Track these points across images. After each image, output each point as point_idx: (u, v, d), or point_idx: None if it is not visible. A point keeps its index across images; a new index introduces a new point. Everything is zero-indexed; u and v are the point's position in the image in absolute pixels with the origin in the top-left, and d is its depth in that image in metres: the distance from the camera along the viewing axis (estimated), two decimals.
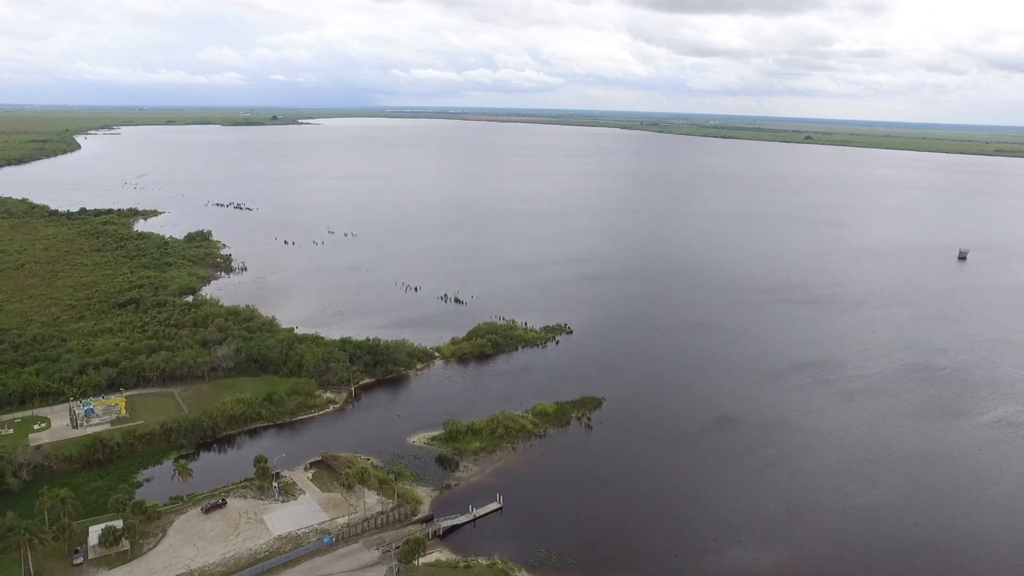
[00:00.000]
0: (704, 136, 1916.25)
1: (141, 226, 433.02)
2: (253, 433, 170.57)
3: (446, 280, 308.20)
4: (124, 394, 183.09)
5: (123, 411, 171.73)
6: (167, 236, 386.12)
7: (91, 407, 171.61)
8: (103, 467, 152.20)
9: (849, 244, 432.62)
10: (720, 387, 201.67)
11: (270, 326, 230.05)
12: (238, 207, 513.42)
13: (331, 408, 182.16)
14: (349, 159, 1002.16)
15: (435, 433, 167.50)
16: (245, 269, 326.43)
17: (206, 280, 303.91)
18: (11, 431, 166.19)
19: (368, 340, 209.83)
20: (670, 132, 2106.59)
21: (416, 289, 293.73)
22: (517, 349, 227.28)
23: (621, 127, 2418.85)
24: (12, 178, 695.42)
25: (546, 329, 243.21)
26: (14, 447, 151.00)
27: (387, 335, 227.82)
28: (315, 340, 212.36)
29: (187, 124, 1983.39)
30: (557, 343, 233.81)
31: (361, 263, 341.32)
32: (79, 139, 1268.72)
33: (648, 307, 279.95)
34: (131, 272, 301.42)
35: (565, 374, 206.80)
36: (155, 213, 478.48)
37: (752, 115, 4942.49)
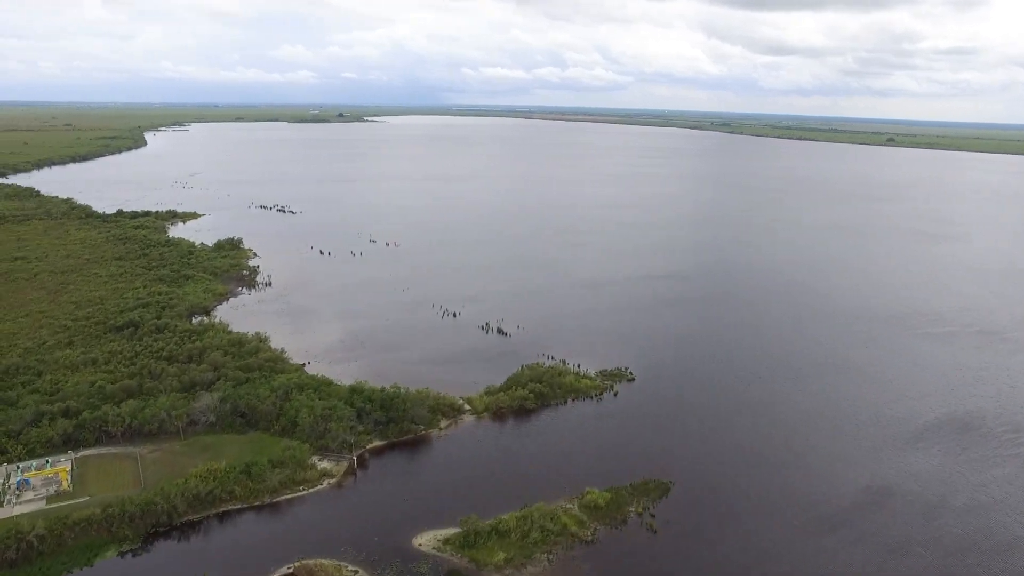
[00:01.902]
0: (778, 137, 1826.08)
1: (176, 230, 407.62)
2: (223, 518, 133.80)
3: (492, 303, 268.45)
4: (78, 454, 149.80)
5: (65, 483, 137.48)
6: (197, 243, 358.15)
7: (26, 478, 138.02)
8: (16, 569, 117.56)
9: (973, 263, 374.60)
10: (840, 460, 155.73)
11: (275, 363, 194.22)
12: (282, 210, 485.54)
13: (325, 483, 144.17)
14: (409, 158, 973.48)
15: (449, 532, 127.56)
16: (269, 284, 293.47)
17: (223, 297, 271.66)
18: None
19: (383, 390, 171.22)
20: (741, 133, 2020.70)
21: (455, 315, 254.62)
22: (566, 402, 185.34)
23: (690, 127, 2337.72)
24: (70, 175, 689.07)
25: (602, 375, 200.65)
26: None
27: (410, 377, 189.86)
28: (320, 387, 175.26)
29: (255, 121, 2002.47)
30: (615, 394, 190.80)
31: (398, 279, 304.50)
32: (148, 136, 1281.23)
33: (734, 343, 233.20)
34: (143, 287, 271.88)
35: (622, 442, 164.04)
36: (194, 216, 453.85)
37: (826, 116, 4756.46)
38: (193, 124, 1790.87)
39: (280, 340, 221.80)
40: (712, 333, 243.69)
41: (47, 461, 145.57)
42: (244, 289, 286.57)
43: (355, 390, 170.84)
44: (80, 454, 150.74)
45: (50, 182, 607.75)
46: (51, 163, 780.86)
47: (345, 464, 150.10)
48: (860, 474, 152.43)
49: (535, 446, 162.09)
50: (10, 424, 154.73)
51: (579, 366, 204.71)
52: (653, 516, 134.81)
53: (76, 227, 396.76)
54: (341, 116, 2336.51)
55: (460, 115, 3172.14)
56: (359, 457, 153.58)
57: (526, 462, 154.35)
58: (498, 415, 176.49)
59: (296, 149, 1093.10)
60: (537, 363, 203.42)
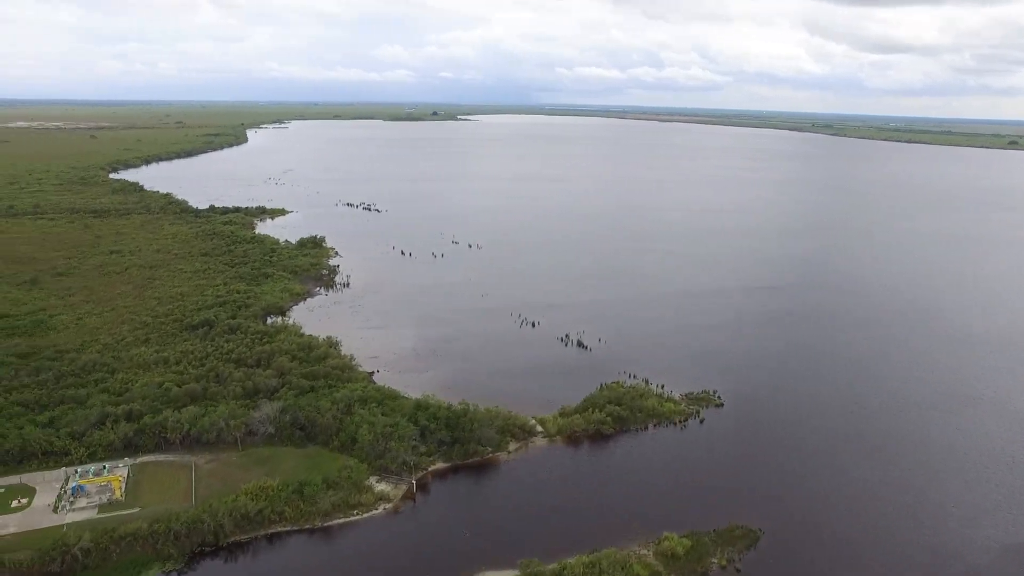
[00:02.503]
0: (884, 140, 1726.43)
1: (263, 227, 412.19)
2: (272, 540, 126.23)
3: (574, 313, 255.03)
4: (136, 460, 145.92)
5: (118, 492, 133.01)
6: (281, 240, 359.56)
7: (81, 485, 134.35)
8: None
9: None
10: (970, 509, 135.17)
11: (342, 371, 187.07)
12: (367, 208, 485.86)
13: (381, 508, 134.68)
14: (499, 157, 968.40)
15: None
16: (347, 285, 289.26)
17: (300, 298, 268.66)
18: None
19: (449, 407, 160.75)
20: (845, 135, 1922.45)
21: (534, 324, 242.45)
22: (646, 427, 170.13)
23: (790, 128, 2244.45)
24: (173, 171, 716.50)
25: (688, 399, 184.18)
26: None
27: (481, 392, 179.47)
28: (384, 400, 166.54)
29: (352, 119, 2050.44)
30: (701, 421, 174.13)
31: (479, 283, 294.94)
32: (250, 133, 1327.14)
33: (839, 368, 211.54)
34: (224, 284, 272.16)
35: (706, 479, 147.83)
36: (282, 212, 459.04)
37: (937, 117, 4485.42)
38: (293, 122, 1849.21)
39: (351, 345, 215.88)
40: (814, 355, 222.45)
41: (104, 466, 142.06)
42: (321, 289, 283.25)
43: (420, 406, 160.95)
44: (138, 460, 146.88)
45: (155, 177, 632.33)
46: (159, 159, 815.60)
47: (404, 488, 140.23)
48: (996, 528, 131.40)
49: (609, 478, 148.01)
50: (75, 425, 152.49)
51: (663, 387, 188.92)
52: (739, 570, 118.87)
53: (170, 222, 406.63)
54: (435, 115, 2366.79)
55: (552, 114, 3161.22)
56: (419, 480, 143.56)
57: (598, 496, 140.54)
58: (572, 439, 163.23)
59: (388, 147, 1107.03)
60: (617, 382, 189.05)
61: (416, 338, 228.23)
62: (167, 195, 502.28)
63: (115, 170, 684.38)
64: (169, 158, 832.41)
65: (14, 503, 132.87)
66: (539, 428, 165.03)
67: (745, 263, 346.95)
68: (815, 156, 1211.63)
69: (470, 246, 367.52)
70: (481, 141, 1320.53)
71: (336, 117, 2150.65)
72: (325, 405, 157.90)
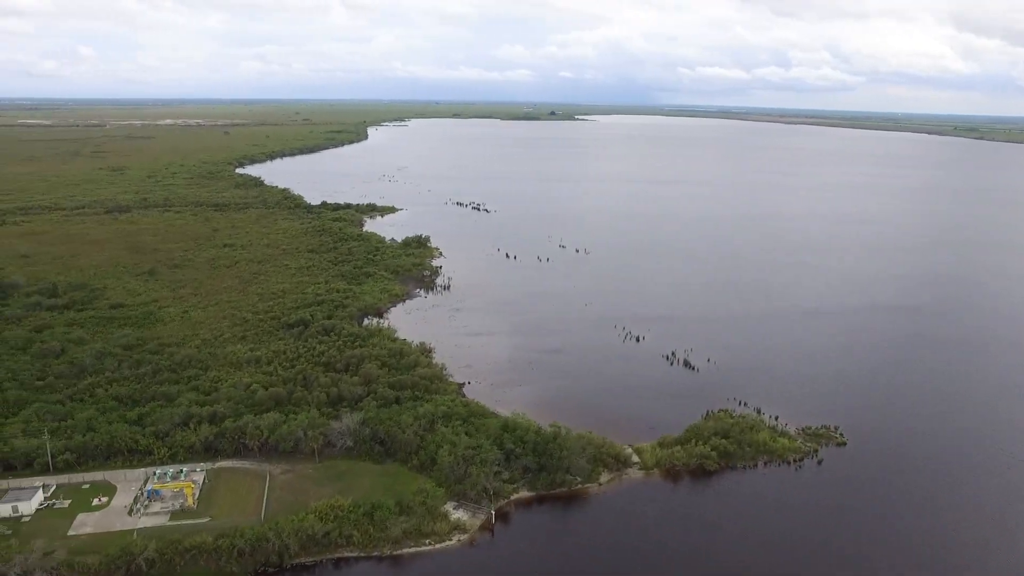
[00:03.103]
0: None
1: (371, 224, 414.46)
2: (337, 565, 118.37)
3: (683, 328, 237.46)
4: (215, 465, 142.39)
5: (190, 499, 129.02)
6: (387, 238, 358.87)
7: (157, 489, 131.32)
8: None
9: None
10: None
11: (431, 382, 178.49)
12: (476, 208, 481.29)
13: (455, 539, 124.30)
14: (614, 158, 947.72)
15: None
16: (448, 288, 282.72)
17: (399, 299, 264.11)
18: (66, 503, 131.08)
19: (538, 431, 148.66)
20: (992, 139, 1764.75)
21: (638, 339, 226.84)
22: (756, 465, 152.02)
23: (928, 132, 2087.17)
24: (294, 166, 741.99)
25: (805, 434, 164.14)
26: (19, 549, 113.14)
27: (575, 412, 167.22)
28: (470, 417, 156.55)
29: (470, 118, 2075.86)
30: (819, 462, 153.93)
31: (584, 291, 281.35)
32: (371, 130, 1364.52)
33: (987, 407, 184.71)
34: (325, 282, 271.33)
35: (821, 532, 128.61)
36: (391, 210, 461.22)
37: None
38: (413, 120, 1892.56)
39: (444, 352, 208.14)
40: (960, 391, 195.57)
41: (183, 470, 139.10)
42: (421, 291, 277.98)
43: (507, 427, 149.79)
44: (217, 464, 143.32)
45: (276, 172, 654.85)
46: (282, 154, 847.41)
47: (482, 517, 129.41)
48: None
49: (711, 522, 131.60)
50: (161, 424, 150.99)
51: (776, 419, 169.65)
52: None
53: (283, 217, 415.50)
54: (552, 114, 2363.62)
55: (672, 115, 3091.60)
56: (499, 509, 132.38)
57: (695, 544, 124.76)
58: (671, 474, 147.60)
59: (503, 146, 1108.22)
60: (726, 411, 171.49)
61: (512, 347, 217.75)
62: (284, 190, 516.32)
63: (241, 165, 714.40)
64: (292, 154, 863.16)
65: (95, 501, 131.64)
66: (635, 458, 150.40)
67: (881, 280, 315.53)
68: (956, 162, 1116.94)
69: (577, 251, 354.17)
70: (598, 141, 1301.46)
71: (455, 116, 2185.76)
72: (407, 420, 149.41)
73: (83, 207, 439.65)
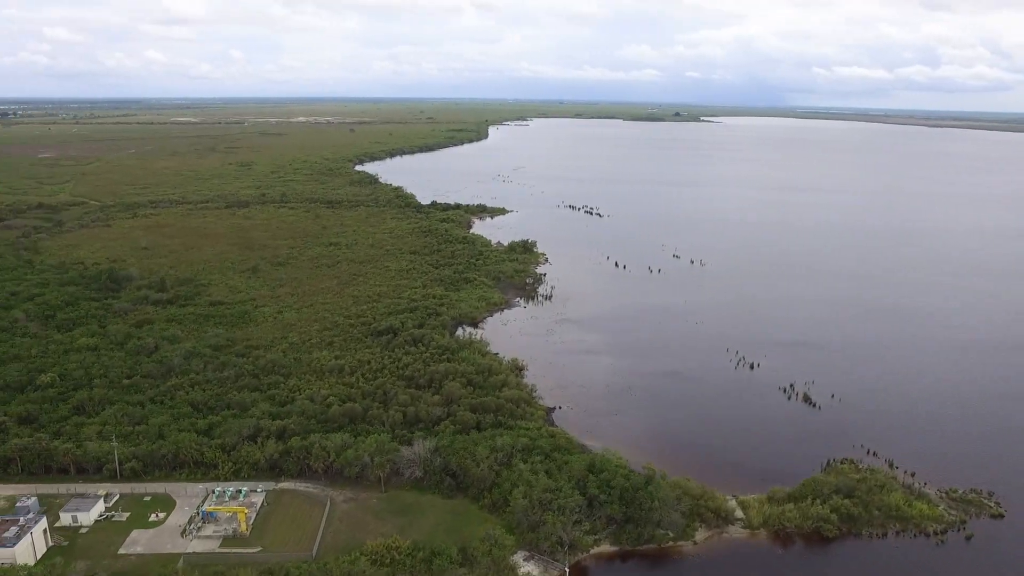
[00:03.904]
0: None
1: (480, 226, 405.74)
2: None
3: (807, 356, 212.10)
4: (278, 485, 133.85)
5: (243, 525, 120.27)
6: (493, 242, 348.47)
7: (212, 512, 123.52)
8: None
9: None
10: None
11: (517, 406, 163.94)
12: (589, 211, 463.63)
13: None
14: (741, 162, 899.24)
15: None
16: (550, 298, 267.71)
17: (497, 308, 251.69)
18: (125, 516, 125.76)
19: (628, 475, 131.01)
20: None
21: (752, 366, 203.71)
22: (885, 535, 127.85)
23: None
24: (412, 164, 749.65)
25: (950, 499, 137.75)
26: (63, 571, 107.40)
27: (672, 454, 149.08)
28: (553, 452, 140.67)
29: (592, 118, 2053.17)
30: (968, 537, 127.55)
31: (695, 307, 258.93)
32: (491, 130, 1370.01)
33: None
34: (422, 287, 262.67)
35: None
36: (502, 211, 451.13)
37: None
38: (535, 119, 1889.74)
39: (537, 370, 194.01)
40: None
41: (242, 490, 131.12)
42: (521, 300, 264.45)
43: (593, 467, 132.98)
44: (279, 485, 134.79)
45: (393, 170, 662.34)
46: (402, 152, 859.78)
47: (555, 573, 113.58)
48: None
49: None
50: (228, 436, 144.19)
51: (914, 476, 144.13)
52: None
53: (392, 216, 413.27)
54: (677, 115, 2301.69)
55: (804, 117, 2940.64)
56: (576, 565, 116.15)
57: None
58: (780, 536, 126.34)
59: (624, 147, 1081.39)
60: (850, 461, 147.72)
61: (611, 370, 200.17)
62: (397, 189, 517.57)
63: (361, 162, 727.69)
64: (412, 152, 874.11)
65: (152, 516, 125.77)
66: (739, 514, 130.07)
67: None
68: None
69: (692, 262, 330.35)
70: (724, 144, 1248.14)
71: (578, 115, 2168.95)
72: (482, 452, 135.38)
73: (207, 201, 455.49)
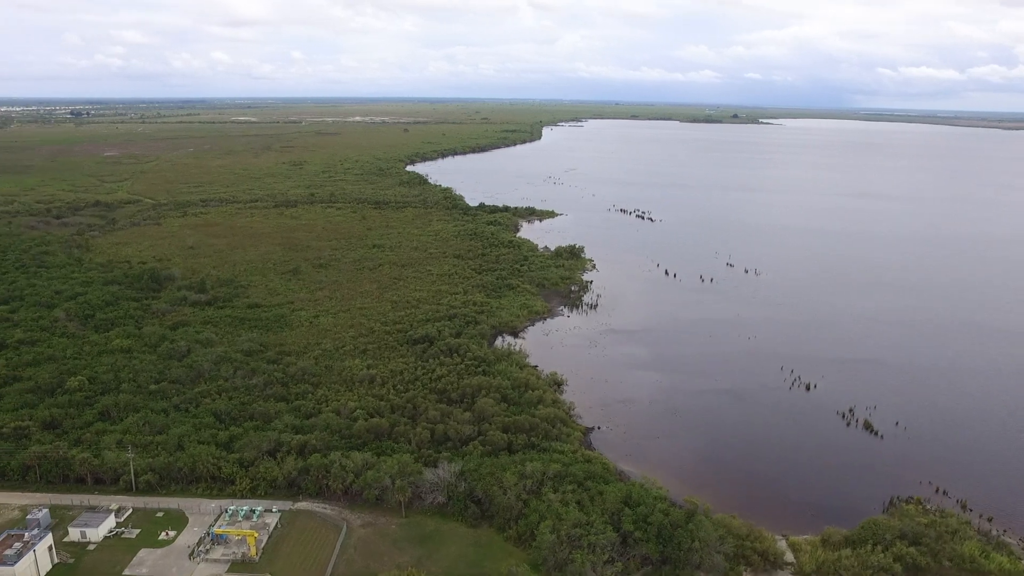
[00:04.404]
0: None
1: (527, 229, 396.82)
2: None
3: (868, 377, 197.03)
4: (294, 505, 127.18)
5: (252, 550, 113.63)
6: (540, 246, 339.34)
7: (222, 534, 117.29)
8: None
9: None
10: None
11: (552, 425, 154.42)
12: (641, 216, 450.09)
13: None
14: (801, 165, 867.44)
15: None
16: (595, 307, 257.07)
17: (539, 316, 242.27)
18: (135, 533, 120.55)
19: (667, 509, 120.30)
20: None
21: (809, 387, 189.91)
22: None
23: None
24: (463, 164, 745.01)
25: None
26: None
27: (717, 484, 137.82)
28: (587, 481, 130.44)
29: (648, 119, 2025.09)
30: None
31: (748, 321, 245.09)
32: (545, 130, 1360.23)
33: None
34: (463, 293, 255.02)
35: None
36: (551, 214, 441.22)
37: None
38: (589, 120, 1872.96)
39: (577, 386, 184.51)
40: None
41: (256, 510, 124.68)
42: (565, 309, 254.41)
43: (630, 499, 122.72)
44: (296, 505, 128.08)
45: (444, 171, 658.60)
46: (454, 152, 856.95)
47: None
48: None
49: None
50: (247, 451, 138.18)
51: (991, 522, 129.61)
52: None
53: (439, 217, 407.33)
54: (735, 117, 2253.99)
55: (869, 119, 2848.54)
56: None
57: None
58: None
59: (680, 149, 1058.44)
60: (916, 500, 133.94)
61: (656, 387, 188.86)
62: (446, 190, 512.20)
63: (412, 162, 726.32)
64: (464, 152, 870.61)
65: (162, 535, 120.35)
66: (789, 557, 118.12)
67: None
68: None
69: (747, 271, 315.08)
70: (783, 147, 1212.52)
71: (633, 117, 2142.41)
72: (510, 479, 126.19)
73: (255, 200, 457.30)
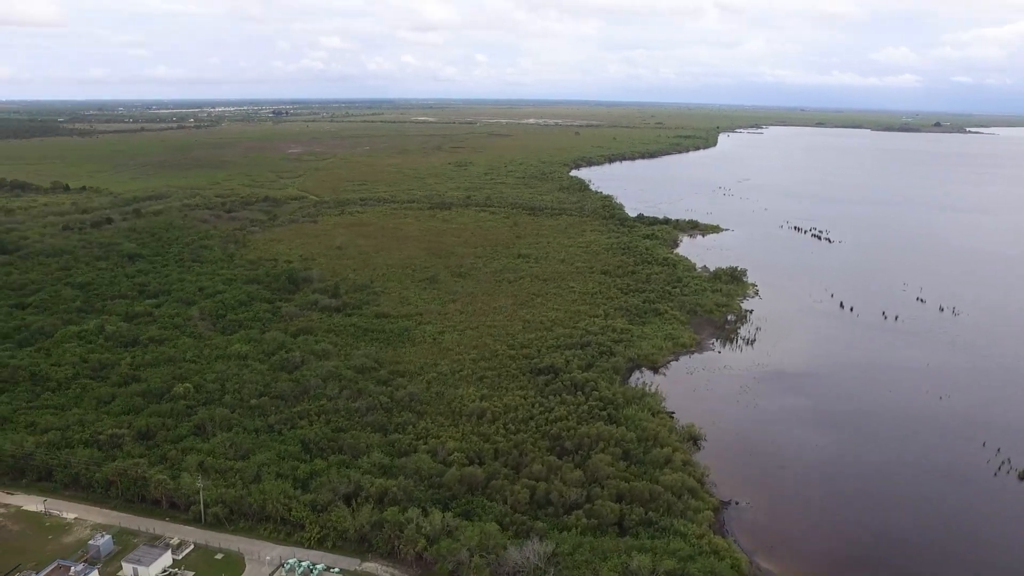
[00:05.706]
0: None
1: (687, 245, 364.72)
2: None
3: None
4: (360, 566, 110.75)
5: None
6: (698, 266, 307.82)
7: None
8: None
9: None
10: None
11: (678, 497, 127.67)
12: (818, 235, 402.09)
13: None
14: (1020, 181, 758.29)
15: None
16: (751, 343, 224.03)
17: (684, 350, 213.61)
18: None
19: None
20: None
21: (1022, 476, 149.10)
22: None
23: None
24: (630, 171, 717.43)
25: None
26: None
27: None
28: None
29: (836, 127, 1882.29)
30: None
31: (941, 374, 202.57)
32: (722, 137, 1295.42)
33: None
34: (603, 317, 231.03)
35: None
36: (715, 229, 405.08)
37: None
38: (770, 127, 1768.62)
39: (718, 443, 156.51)
40: None
41: (316, 567, 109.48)
42: (716, 343, 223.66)
43: None
44: (362, 565, 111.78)
45: (608, 176, 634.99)
46: (622, 158, 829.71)
47: None
48: None
49: None
50: (322, 492, 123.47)
51: None
52: None
53: (593, 227, 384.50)
54: (937, 125, 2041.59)
55: None
56: None
57: None
58: None
59: (870, 161, 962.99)
60: None
61: (816, 451, 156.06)
62: (607, 198, 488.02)
63: (577, 167, 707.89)
64: (632, 158, 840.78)
65: None
66: None
67: None
68: None
69: (942, 309, 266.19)
70: (1000, 159, 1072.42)
71: (819, 124, 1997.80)
72: (614, 567, 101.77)
73: (413, 201, 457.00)
